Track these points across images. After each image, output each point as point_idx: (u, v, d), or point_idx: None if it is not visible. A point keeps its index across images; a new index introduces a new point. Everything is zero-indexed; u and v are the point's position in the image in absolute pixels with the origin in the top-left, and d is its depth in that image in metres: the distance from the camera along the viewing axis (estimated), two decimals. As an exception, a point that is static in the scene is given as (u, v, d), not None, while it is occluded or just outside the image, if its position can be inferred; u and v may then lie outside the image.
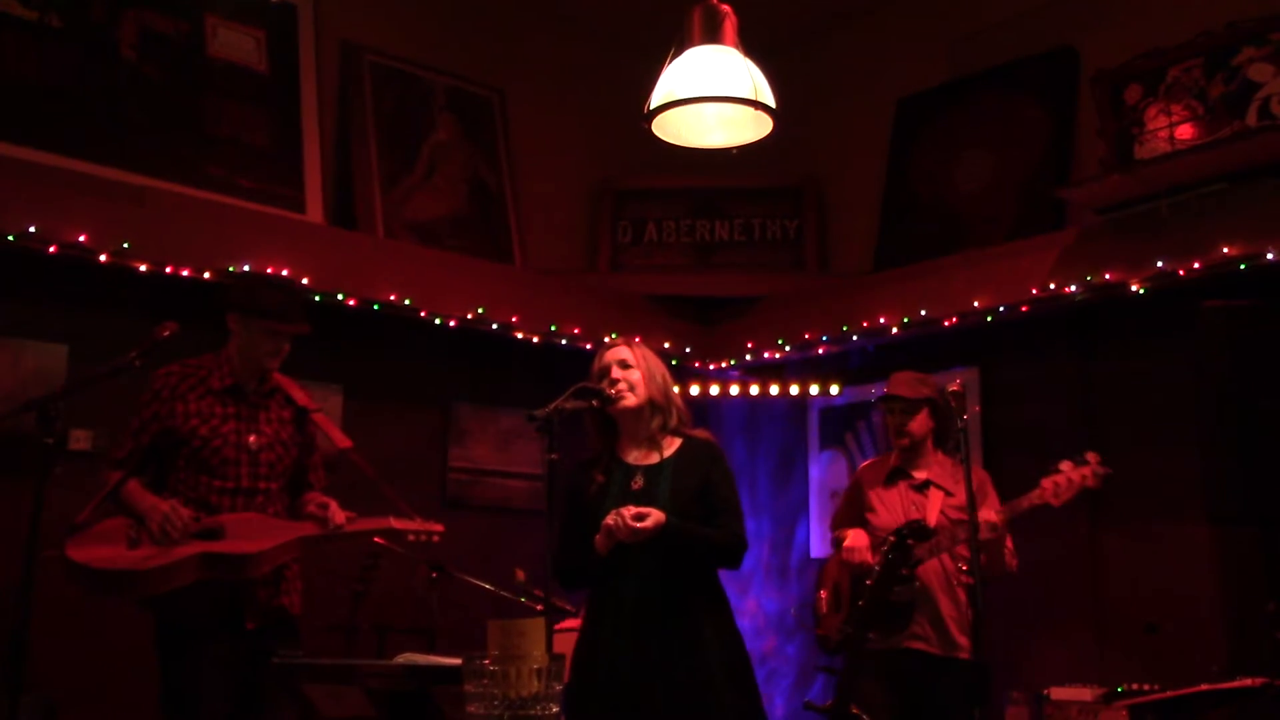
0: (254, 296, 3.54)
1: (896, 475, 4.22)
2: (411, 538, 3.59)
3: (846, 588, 4.20)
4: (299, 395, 3.65)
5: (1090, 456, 3.77)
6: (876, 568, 3.88)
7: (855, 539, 4.15)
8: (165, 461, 3.47)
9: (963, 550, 3.91)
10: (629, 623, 3.09)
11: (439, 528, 3.61)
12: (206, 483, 3.42)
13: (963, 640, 3.95)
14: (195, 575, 3.25)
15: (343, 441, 3.64)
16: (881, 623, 3.88)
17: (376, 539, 3.89)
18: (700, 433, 3.35)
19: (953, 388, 3.66)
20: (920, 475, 4.17)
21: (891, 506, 4.16)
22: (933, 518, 4.02)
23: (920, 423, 4.16)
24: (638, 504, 3.09)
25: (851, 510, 4.34)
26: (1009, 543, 3.98)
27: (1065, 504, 3.80)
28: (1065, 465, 3.78)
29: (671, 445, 3.28)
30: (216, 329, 3.58)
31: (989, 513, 3.84)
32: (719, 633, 3.16)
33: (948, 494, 4.08)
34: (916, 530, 3.89)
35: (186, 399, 3.46)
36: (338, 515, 3.49)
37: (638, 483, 3.22)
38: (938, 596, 3.97)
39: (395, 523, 3.55)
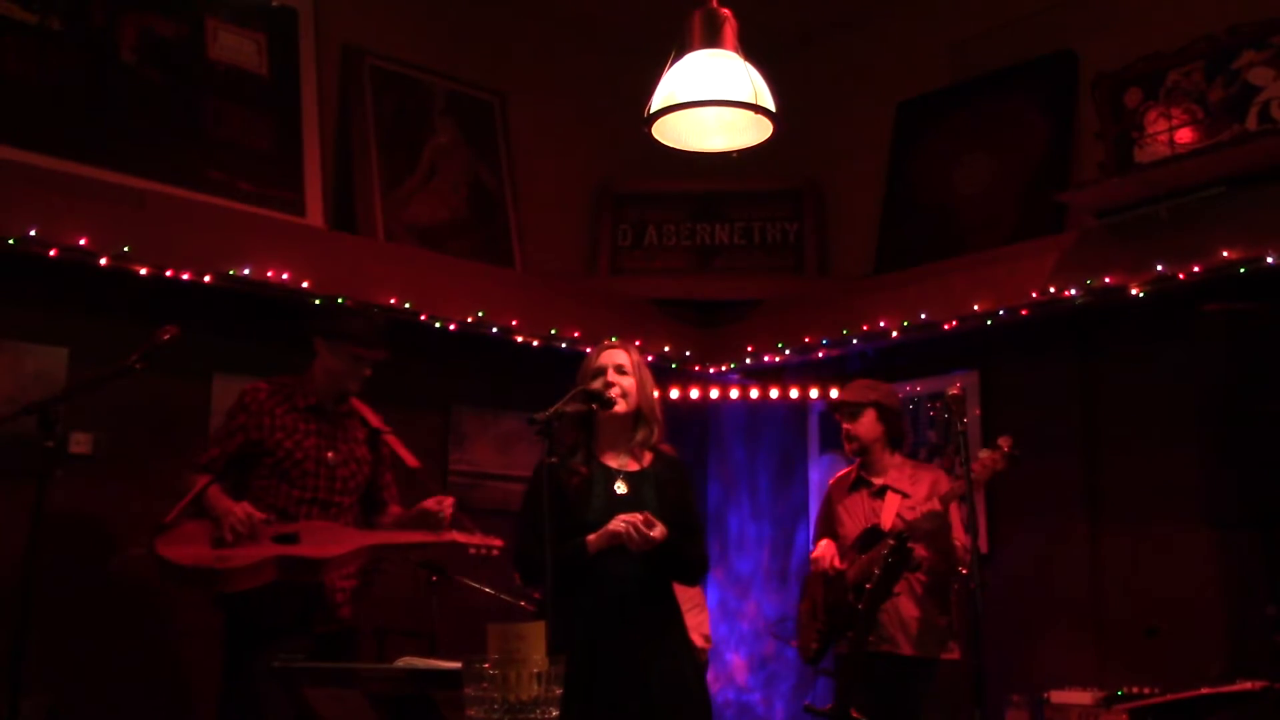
0: (339, 323, 3.83)
1: (858, 484, 4.35)
2: (472, 551, 3.77)
3: (821, 598, 4.25)
4: (372, 418, 3.89)
5: (1002, 441, 3.91)
6: (877, 570, 3.90)
7: (823, 549, 4.28)
8: (248, 470, 3.71)
9: (920, 551, 4.00)
10: (608, 623, 3.10)
11: (499, 542, 3.79)
12: (286, 492, 3.66)
13: (929, 640, 4.06)
14: (274, 575, 3.46)
15: (412, 462, 3.84)
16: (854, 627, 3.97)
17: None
18: (667, 448, 3.40)
19: (952, 391, 3.69)
20: (877, 481, 4.29)
21: (854, 514, 4.29)
22: (887, 522, 4.08)
23: (866, 426, 4.28)
24: (625, 509, 3.13)
25: (825, 522, 4.48)
26: (958, 536, 4.07)
27: (984, 483, 3.97)
28: (982, 453, 3.93)
29: (646, 456, 3.31)
30: (294, 349, 3.90)
31: (932, 502, 3.97)
32: (683, 640, 3.25)
33: (904, 496, 4.20)
34: (872, 534, 4.01)
35: (274, 413, 3.71)
36: (448, 512, 3.71)
37: (620, 487, 3.23)
38: (900, 599, 4.02)
39: (459, 536, 3.73)
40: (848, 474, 4.45)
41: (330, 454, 3.73)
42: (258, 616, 3.52)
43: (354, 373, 3.78)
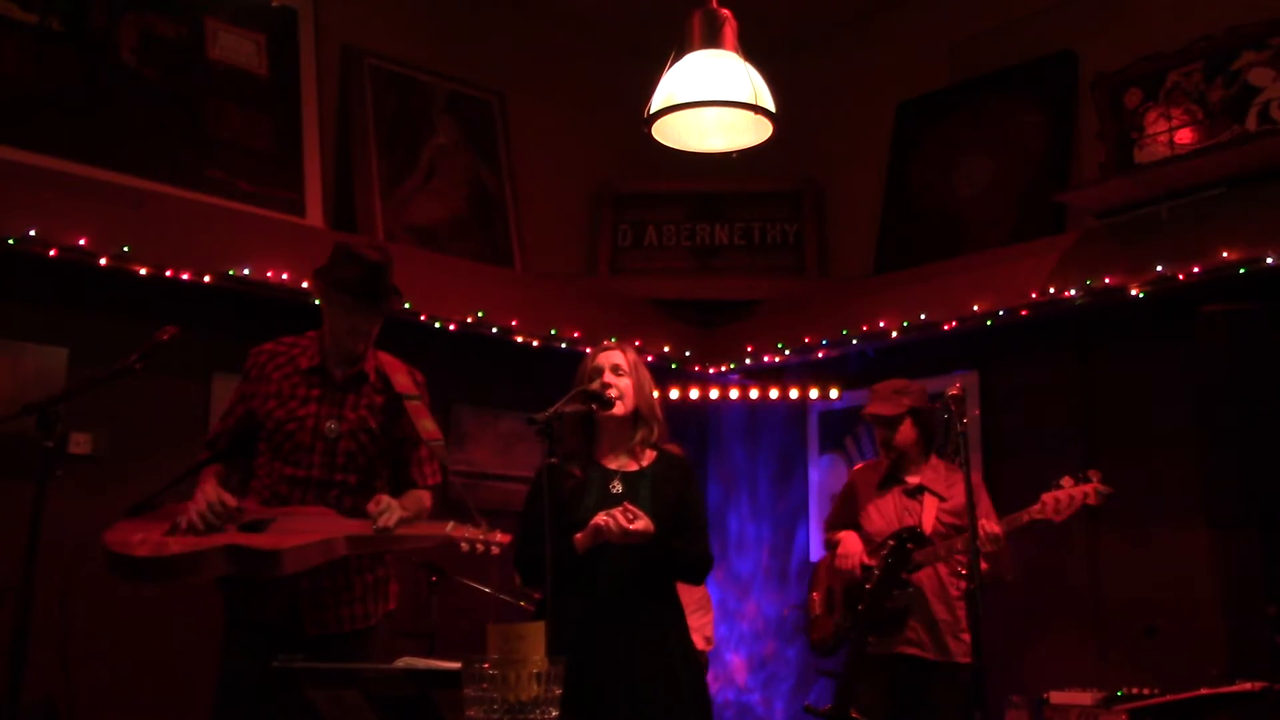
0: (334, 269, 3.16)
1: (890, 481, 4.24)
2: (465, 548, 3.05)
3: (839, 591, 4.21)
4: (402, 380, 3.24)
5: (1093, 474, 3.78)
6: (876, 571, 3.89)
7: (849, 544, 4.17)
8: (255, 446, 3.19)
9: (959, 556, 3.93)
10: (599, 623, 3.10)
11: (504, 539, 3.07)
12: (279, 470, 3.11)
13: (955, 645, 3.97)
14: (223, 568, 2.94)
15: (430, 433, 3.16)
16: (878, 627, 3.91)
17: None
18: (672, 447, 3.38)
19: (952, 391, 3.67)
20: (913, 480, 4.19)
21: (885, 512, 4.18)
22: (928, 524, 4.02)
23: (904, 434, 4.19)
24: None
25: (846, 512, 4.36)
26: (1007, 553, 3.99)
27: (1065, 520, 3.81)
28: (1066, 481, 3.78)
29: (648, 456, 3.30)
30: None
31: (993, 525, 3.84)
32: (680, 639, 3.21)
33: (941, 499, 4.10)
34: (913, 536, 3.92)
35: (271, 378, 3.18)
36: (390, 517, 3.00)
37: (616, 487, 3.22)
38: (931, 602, 3.99)
39: (454, 531, 3.06)
40: (876, 466, 4.33)
41: (330, 424, 3.11)
42: (245, 608, 3.07)
43: (353, 328, 3.16)
